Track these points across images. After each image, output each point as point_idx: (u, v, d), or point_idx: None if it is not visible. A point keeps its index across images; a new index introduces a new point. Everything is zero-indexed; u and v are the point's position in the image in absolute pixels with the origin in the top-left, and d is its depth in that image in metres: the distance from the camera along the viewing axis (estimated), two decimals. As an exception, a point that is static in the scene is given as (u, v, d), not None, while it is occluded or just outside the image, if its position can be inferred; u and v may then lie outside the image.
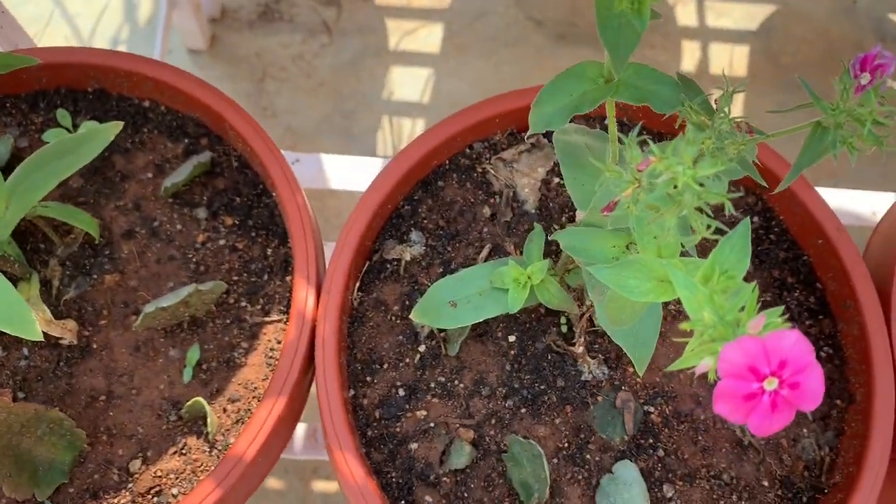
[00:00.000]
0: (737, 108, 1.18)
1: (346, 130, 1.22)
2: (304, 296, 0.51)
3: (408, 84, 1.24)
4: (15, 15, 0.64)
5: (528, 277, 0.47)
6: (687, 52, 1.26)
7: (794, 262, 0.54)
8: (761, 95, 1.17)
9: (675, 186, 0.29)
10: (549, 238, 0.50)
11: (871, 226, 0.61)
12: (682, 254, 0.36)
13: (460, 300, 0.49)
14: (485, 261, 0.54)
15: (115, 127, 0.49)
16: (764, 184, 0.37)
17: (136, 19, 1.27)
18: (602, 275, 0.34)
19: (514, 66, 1.25)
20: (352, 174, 0.82)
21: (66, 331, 0.51)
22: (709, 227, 0.30)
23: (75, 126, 0.57)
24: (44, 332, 0.47)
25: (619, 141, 0.36)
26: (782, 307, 0.28)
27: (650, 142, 0.30)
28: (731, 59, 1.23)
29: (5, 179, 0.48)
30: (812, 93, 0.35)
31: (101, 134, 0.49)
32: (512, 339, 0.52)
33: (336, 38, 1.26)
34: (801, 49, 1.20)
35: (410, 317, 0.51)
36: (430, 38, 1.27)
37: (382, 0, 1.30)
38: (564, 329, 0.52)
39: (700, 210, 0.29)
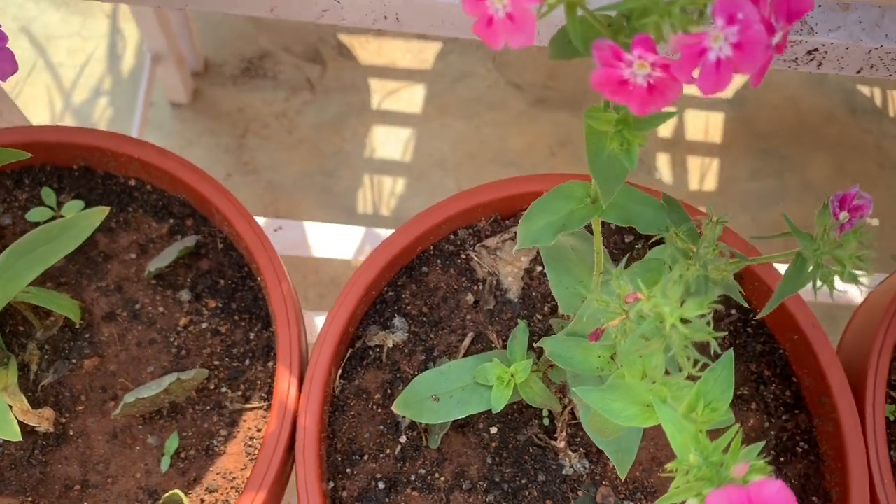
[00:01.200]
0: (712, 176, 1.21)
1: (327, 188, 1.23)
2: (286, 386, 0.51)
3: (390, 143, 1.25)
4: None
5: (512, 376, 0.48)
6: (663, 118, 1.28)
7: (770, 356, 0.55)
8: (736, 161, 1.20)
9: (662, 322, 0.30)
10: (533, 336, 0.50)
11: (852, 307, 0.62)
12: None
13: (443, 395, 0.49)
14: (467, 349, 0.55)
15: (101, 213, 0.49)
16: (746, 305, 0.38)
17: (120, 70, 1.27)
18: (588, 397, 0.35)
19: (494, 129, 1.27)
20: (335, 242, 0.83)
21: (43, 419, 0.50)
22: (696, 363, 0.31)
23: (59, 204, 0.57)
24: (19, 422, 0.47)
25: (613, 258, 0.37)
26: (763, 443, 0.29)
27: (637, 279, 0.31)
28: (706, 126, 1.26)
29: (-14, 261, 0.47)
30: (794, 228, 0.36)
31: (86, 220, 0.49)
32: (493, 430, 0.52)
33: (319, 96, 1.27)
34: (773, 117, 1.23)
35: (392, 409, 0.51)
36: (412, 98, 1.29)
37: (366, 59, 1.32)
38: (546, 422, 0.52)
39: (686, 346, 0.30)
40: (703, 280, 0.34)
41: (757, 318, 0.48)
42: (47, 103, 1.20)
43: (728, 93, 1.24)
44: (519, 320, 0.54)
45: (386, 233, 0.86)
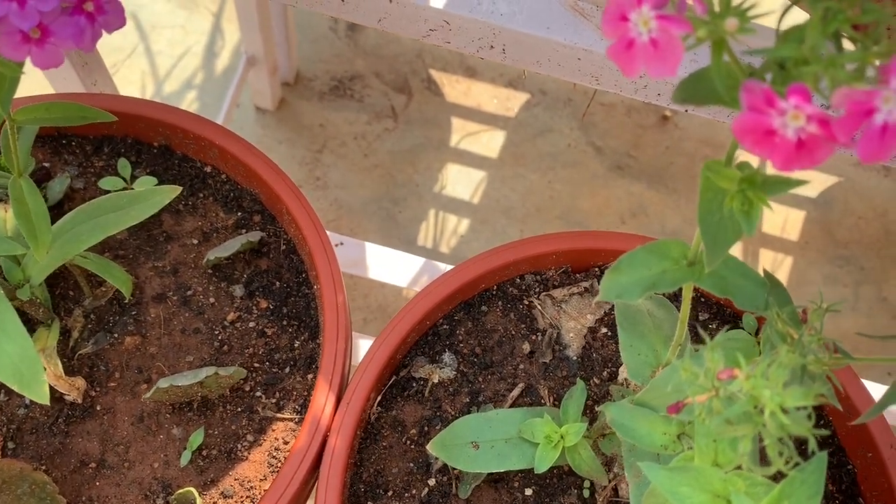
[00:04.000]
0: (783, 274, 1.16)
1: (392, 216, 1.22)
2: (322, 402, 0.48)
3: (461, 183, 1.24)
4: (99, 43, 0.65)
5: (562, 437, 0.44)
6: (742, 206, 1.24)
7: (837, 470, 0.51)
8: (811, 264, 1.15)
9: (755, 406, 0.27)
10: (587, 400, 0.47)
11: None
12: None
13: (483, 443, 0.46)
14: (515, 400, 0.52)
15: (172, 191, 0.48)
16: (840, 407, 0.35)
17: (213, 67, 1.29)
18: (654, 476, 0.31)
19: (567, 186, 1.25)
20: (393, 267, 0.81)
21: (74, 388, 0.48)
22: (787, 460, 0.27)
23: (133, 178, 0.57)
24: (49, 387, 0.45)
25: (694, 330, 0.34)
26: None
27: (738, 355, 0.28)
28: (785, 222, 1.21)
29: (54, 219, 0.46)
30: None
31: (157, 196, 0.48)
32: (528, 492, 0.49)
33: (400, 125, 1.27)
34: (857, 225, 1.18)
35: (427, 448, 0.48)
36: (490, 143, 1.28)
37: (452, 97, 1.32)
38: (587, 494, 0.49)
39: (780, 440, 0.27)
40: (800, 371, 0.31)
41: (853, 423, 0.44)
42: (139, 88, 1.23)
43: (813, 192, 1.20)
44: (577, 379, 0.50)
45: (446, 268, 0.84)
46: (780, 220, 1.18)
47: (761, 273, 0.36)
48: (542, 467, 0.44)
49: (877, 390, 0.70)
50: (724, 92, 0.26)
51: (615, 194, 1.24)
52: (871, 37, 0.23)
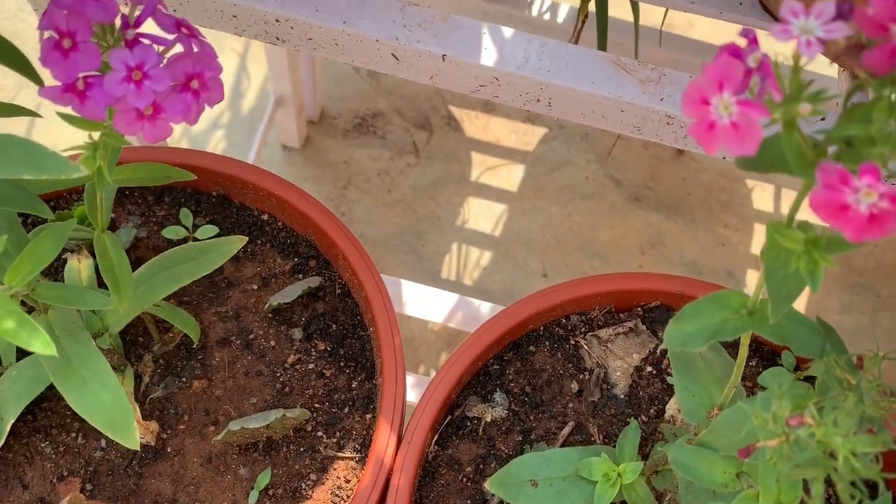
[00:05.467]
0: (800, 302, 1.18)
1: (415, 249, 1.24)
2: (385, 443, 0.51)
3: (482, 216, 1.27)
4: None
5: (619, 475, 0.47)
6: (758, 233, 1.27)
7: None
8: (829, 292, 1.17)
9: (825, 451, 0.29)
10: (646, 437, 0.49)
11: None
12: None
13: (542, 481, 0.48)
14: (566, 439, 0.54)
15: (240, 241, 0.51)
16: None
17: (240, 107, 1.33)
18: (726, 515, 0.34)
19: (586, 218, 1.27)
20: (428, 304, 0.83)
21: (149, 432, 0.51)
22: (860, 501, 0.29)
23: (195, 226, 0.59)
24: (128, 431, 0.47)
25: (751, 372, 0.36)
26: None
27: (811, 404, 0.30)
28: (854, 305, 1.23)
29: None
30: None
31: (225, 246, 0.50)
32: (584, 527, 0.51)
33: (422, 160, 1.30)
34: (873, 253, 1.21)
35: (486, 486, 0.50)
36: (510, 176, 1.31)
37: (472, 133, 1.35)
38: (640, 529, 0.51)
39: (853, 484, 0.29)
40: (861, 415, 0.34)
41: None
42: (170, 127, 1.26)
43: (829, 221, 1.22)
44: (630, 418, 0.53)
45: (477, 303, 0.87)
46: (798, 250, 1.21)
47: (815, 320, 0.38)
48: (602, 503, 0.46)
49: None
50: (794, 164, 0.29)
51: (633, 225, 1.27)
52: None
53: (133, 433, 0.41)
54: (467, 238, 1.25)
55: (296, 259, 0.60)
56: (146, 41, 0.33)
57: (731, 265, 1.25)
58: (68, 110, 0.34)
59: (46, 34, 0.33)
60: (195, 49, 0.35)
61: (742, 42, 0.28)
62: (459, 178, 1.30)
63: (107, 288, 0.48)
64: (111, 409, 0.41)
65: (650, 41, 0.87)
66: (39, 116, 0.43)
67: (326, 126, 1.32)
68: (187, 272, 0.49)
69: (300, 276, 0.59)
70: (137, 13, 0.34)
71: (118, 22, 0.34)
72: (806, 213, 0.28)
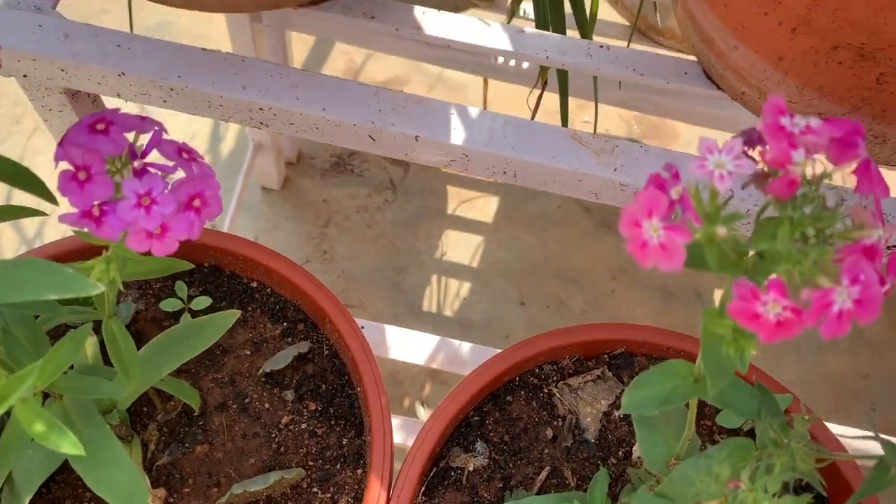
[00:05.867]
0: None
1: (397, 283, 1.29)
2: (376, 497, 0.55)
3: (460, 248, 1.31)
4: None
5: (590, 520, 0.51)
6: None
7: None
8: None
9: (758, 511, 0.34)
10: (610, 477, 0.54)
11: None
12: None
13: (522, 526, 0.53)
14: (542, 483, 0.58)
15: (233, 315, 0.55)
16: (825, 494, 0.42)
17: (219, 152, 1.37)
18: (679, 565, 0.38)
19: (560, 245, 1.32)
20: (411, 347, 0.88)
21: (158, 499, 0.55)
22: (787, 555, 0.34)
23: (190, 297, 0.63)
24: (138, 500, 0.51)
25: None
26: None
27: (740, 471, 0.35)
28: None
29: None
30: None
31: (221, 320, 0.54)
32: (561, 564, 0.55)
33: (399, 196, 1.35)
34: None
35: (470, 529, 0.54)
36: (485, 208, 1.36)
37: (448, 167, 1.40)
38: (611, 564, 0.55)
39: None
40: (791, 469, 0.38)
41: None
42: (154, 176, 1.29)
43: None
44: (600, 461, 0.57)
45: (457, 344, 0.91)
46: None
47: (754, 384, 0.44)
48: (575, 548, 0.51)
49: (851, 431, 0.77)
50: (716, 267, 0.33)
51: (605, 250, 1.32)
52: (825, 235, 0.31)
53: (146, 507, 0.45)
54: (446, 270, 1.30)
55: (285, 323, 0.64)
56: (153, 170, 0.38)
57: (699, 286, 1.31)
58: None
59: (62, 166, 0.38)
60: (195, 171, 0.39)
61: (665, 174, 0.33)
62: (436, 212, 1.35)
63: (111, 364, 0.52)
64: (127, 488, 0.45)
65: (612, 84, 0.92)
66: (45, 215, 0.47)
67: (304, 166, 1.36)
68: (188, 348, 0.53)
69: (289, 339, 0.63)
70: (143, 143, 0.38)
71: (126, 151, 0.38)
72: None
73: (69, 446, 0.38)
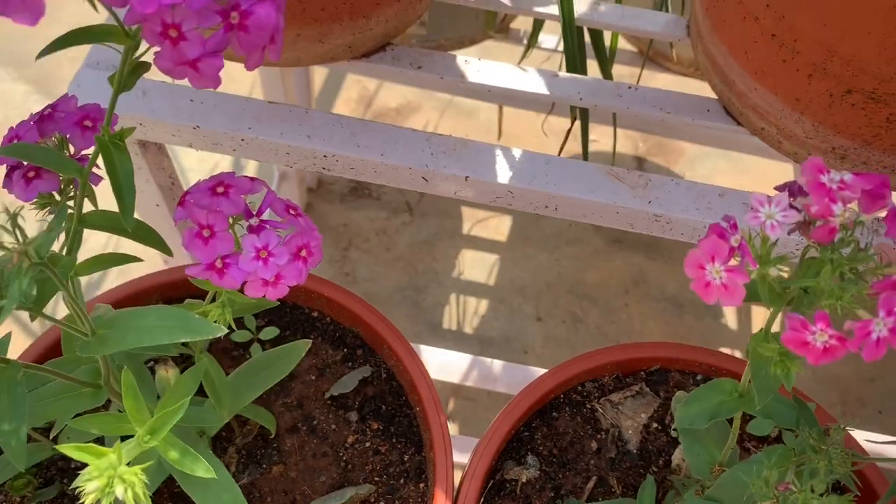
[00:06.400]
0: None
1: (417, 303, 1.34)
2: (442, 507, 0.60)
3: (476, 267, 1.37)
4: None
5: (642, 523, 0.57)
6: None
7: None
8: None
9: (807, 510, 0.40)
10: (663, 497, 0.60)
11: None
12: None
13: (578, 531, 0.58)
14: (591, 492, 0.64)
15: (306, 345, 0.60)
16: (859, 494, 0.47)
17: (242, 180, 1.41)
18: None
19: (573, 262, 1.38)
20: (446, 366, 0.93)
21: (244, 516, 0.59)
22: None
23: (258, 328, 0.68)
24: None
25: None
26: None
27: (790, 474, 0.41)
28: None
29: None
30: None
31: (296, 350, 0.60)
32: (610, 567, 0.61)
33: (416, 219, 1.41)
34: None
35: (528, 535, 0.60)
36: (499, 227, 1.41)
37: (494, 203, 1.45)
38: (659, 564, 0.61)
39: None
40: (829, 472, 0.44)
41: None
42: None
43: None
44: (642, 470, 0.63)
45: (489, 362, 0.97)
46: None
47: (792, 399, 0.49)
48: (630, 550, 0.57)
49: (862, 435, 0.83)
50: (766, 299, 0.39)
51: (616, 266, 1.38)
52: (858, 272, 0.37)
53: (250, 525, 0.50)
54: (464, 289, 1.35)
55: (345, 349, 0.69)
56: (268, 227, 0.43)
57: (707, 298, 1.36)
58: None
59: (185, 224, 0.43)
60: (302, 224, 0.44)
61: (725, 224, 0.38)
62: (452, 233, 1.40)
63: (196, 394, 0.57)
64: (231, 506, 0.50)
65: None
66: (141, 260, 0.52)
67: (324, 192, 1.41)
68: (269, 377, 0.58)
69: (350, 363, 0.69)
70: (258, 202, 0.44)
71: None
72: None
73: (203, 471, 0.43)
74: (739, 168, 1.39)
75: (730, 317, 1.33)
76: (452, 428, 1.18)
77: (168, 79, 0.68)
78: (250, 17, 0.34)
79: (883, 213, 0.38)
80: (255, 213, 0.43)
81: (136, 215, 0.43)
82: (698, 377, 0.68)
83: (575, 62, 0.73)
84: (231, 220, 0.43)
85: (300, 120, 0.64)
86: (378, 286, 1.34)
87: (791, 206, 0.37)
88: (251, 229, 0.43)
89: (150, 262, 0.62)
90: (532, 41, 0.91)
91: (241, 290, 0.44)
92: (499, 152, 0.65)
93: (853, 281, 0.37)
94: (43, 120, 0.46)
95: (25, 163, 0.43)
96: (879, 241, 0.41)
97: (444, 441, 0.63)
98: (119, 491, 0.36)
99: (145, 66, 0.41)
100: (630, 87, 0.69)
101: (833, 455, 0.44)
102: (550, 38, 1.19)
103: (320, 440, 0.65)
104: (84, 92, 0.63)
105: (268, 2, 0.34)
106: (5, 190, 0.44)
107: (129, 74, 0.40)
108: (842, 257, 0.37)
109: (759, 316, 1.31)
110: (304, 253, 0.44)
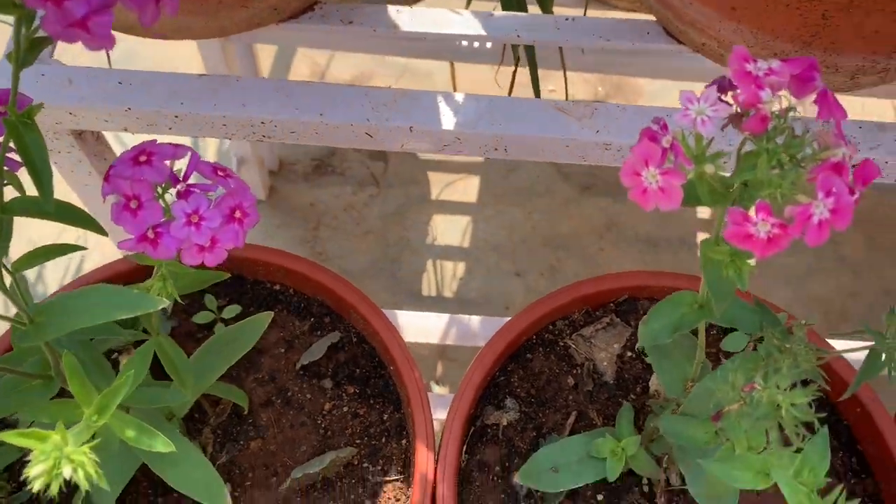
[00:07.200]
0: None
1: (393, 273, 1.33)
2: (424, 461, 0.60)
3: (449, 231, 1.36)
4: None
5: (623, 449, 0.56)
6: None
7: (836, 426, 0.64)
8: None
9: (773, 406, 0.39)
10: (639, 416, 0.59)
11: None
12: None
13: (561, 466, 0.58)
14: (572, 427, 0.63)
15: (268, 317, 0.59)
16: (828, 388, 0.47)
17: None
18: (711, 468, 0.43)
19: (544, 215, 1.37)
20: (423, 328, 0.93)
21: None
22: (802, 438, 0.40)
23: (220, 308, 0.67)
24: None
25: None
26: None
27: (758, 377, 0.40)
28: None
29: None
30: (869, 329, 0.46)
31: (258, 323, 0.59)
32: (600, 497, 0.61)
33: (383, 190, 1.39)
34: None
35: (514, 479, 0.59)
36: (468, 189, 1.40)
37: (425, 155, 1.44)
38: (646, 489, 0.61)
39: (795, 426, 0.39)
40: (795, 370, 0.44)
41: (839, 399, 0.56)
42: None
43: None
44: (621, 399, 0.63)
45: (468, 318, 0.96)
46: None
47: (753, 302, 0.49)
48: (613, 475, 0.56)
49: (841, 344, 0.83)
50: (707, 200, 0.38)
51: (588, 213, 1.37)
52: (797, 160, 0.36)
53: (225, 498, 0.50)
54: (439, 254, 1.34)
55: (311, 319, 0.68)
56: (196, 190, 0.42)
57: (682, 233, 1.36)
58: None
59: (112, 198, 0.42)
60: (232, 185, 0.43)
61: (655, 126, 0.37)
62: (421, 200, 1.39)
63: (159, 378, 0.56)
64: (206, 482, 0.49)
65: (574, 51, 0.96)
66: (85, 249, 0.51)
67: (287, 173, 1.39)
68: (232, 353, 0.57)
69: (318, 332, 0.68)
70: (182, 167, 0.43)
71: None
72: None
73: (161, 445, 0.42)
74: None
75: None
76: (441, 389, 1.17)
77: (93, 63, 0.66)
78: (138, -33, 0.33)
79: (813, 97, 0.37)
80: (181, 178, 0.42)
81: (88, 211, 0.42)
82: (668, 302, 0.68)
83: (512, 3, 0.72)
84: (160, 190, 0.42)
85: (232, 89, 0.62)
86: (352, 262, 1.33)
87: (721, 101, 0.36)
88: (179, 195, 0.42)
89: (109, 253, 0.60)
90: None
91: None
92: (440, 98, 0.64)
93: (791, 169, 0.36)
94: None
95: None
96: (814, 128, 0.41)
97: (420, 395, 0.62)
98: (67, 471, 0.35)
99: (46, 41, 0.39)
100: (567, 19, 0.68)
101: (797, 352, 0.43)
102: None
103: (296, 411, 0.64)
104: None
105: (154, -53, 0.32)
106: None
107: (29, 50, 0.38)
108: (777, 146, 0.36)
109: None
110: (238, 214, 0.43)
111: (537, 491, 0.61)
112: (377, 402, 0.65)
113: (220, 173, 0.43)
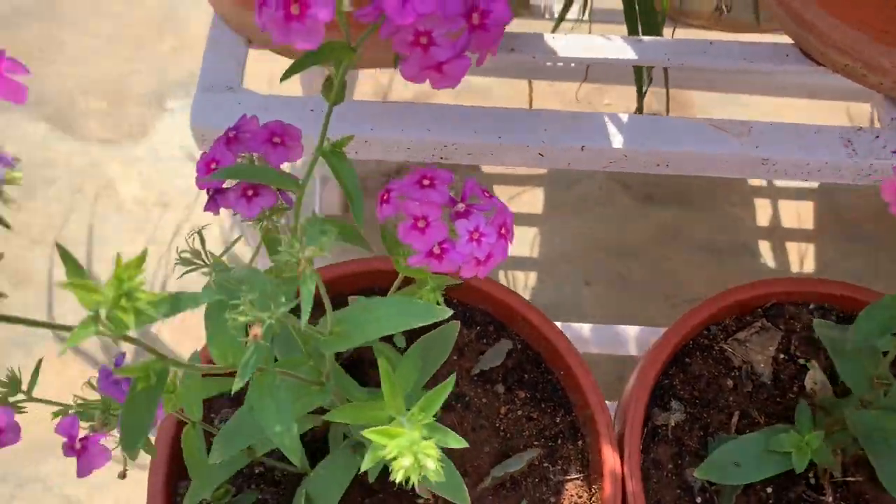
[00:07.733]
0: (809, 259, 1.35)
1: (468, 284, 1.36)
2: (611, 458, 0.63)
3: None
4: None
5: (807, 444, 0.61)
6: (759, 206, 1.44)
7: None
8: (829, 245, 1.34)
9: None
10: (788, 411, 0.64)
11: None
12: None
13: (743, 461, 0.62)
14: (736, 425, 0.68)
15: (456, 326, 0.63)
16: None
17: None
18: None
19: (609, 224, 1.42)
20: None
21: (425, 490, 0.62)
22: None
23: (393, 320, 0.71)
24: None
25: None
26: None
27: None
28: (798, 214, 1.41)
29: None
30: None
31: (450, 331, 0.62)
32: (769, 490, 0.65)
33: (453, 203, 1.42)
34: (858, 204, 1.38)
35: (689, 475, 0.63)
36: (532, 200, 1.44)
37: (490, 168, 1.48)
38: (813, 482, 0.65)
39: None
40: None
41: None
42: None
43: (813, 183, 1.39)
44: (780, 400, 0.67)
45: (577, 326, 1.00)
46: (794, 212, 1.38)
47: None
48: (801, 468, 0.61)
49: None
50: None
51: (652, 221, 1.42)
52: None
53: (463, 490, 0.53)
54: (510, 265, 1.38)
55: (477, 328, 0.72)
56: (475, 210, 0.46)
57: (745, 238, 1.42)
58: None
59: (401, 219, 0.45)
60: (497, 205, 0.47)
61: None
62: (490, 212, 1.43)
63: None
64: (447, 475, 0.53)
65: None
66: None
67: (363, 189, 1.43)
68: (434, 361, 0.61)
69: (484, 340, 0.71)
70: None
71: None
72: None
73: (454, 441, 0.45)
74: (753, 110, 1.44)
75: (765, 254, 1.38)
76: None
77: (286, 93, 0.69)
78: (490, 16, 0.36)
79: None
80: (459, 199, 0.46)
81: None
82: (811, 306, 0.73)
83: (634, 25, 0.76)
84: (444, 210, 0.46)
85: (416, 114, 0.66)
86: (428, 273, 1.36)
87: None
88: (459, 214, 0.45)
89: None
90: (563, 15, 0.94)
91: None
92: (607, 119, 0.68)
93: None
94: (230, 142, 0.48)
95: (240, 182, 0.45)
96: None
97: (599, 398, 0.66)
98: (430, 464, 0.39)
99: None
100: (712, 44, 0.72)
101: None
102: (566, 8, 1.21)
103: (475, 415, 0.68)
104: (205, 116, 0.64)
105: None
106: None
107: (341, 88, 0.42)
108: None
109: (794, 251, 1.37)
110: (503, 230, 0.46)
111: (711, 485, 0.65)
112: (548, 406, 0.69)
113: (486, 194, 0.47)
